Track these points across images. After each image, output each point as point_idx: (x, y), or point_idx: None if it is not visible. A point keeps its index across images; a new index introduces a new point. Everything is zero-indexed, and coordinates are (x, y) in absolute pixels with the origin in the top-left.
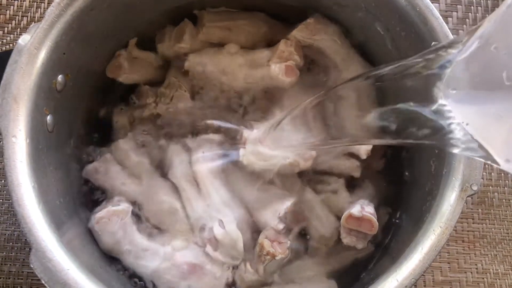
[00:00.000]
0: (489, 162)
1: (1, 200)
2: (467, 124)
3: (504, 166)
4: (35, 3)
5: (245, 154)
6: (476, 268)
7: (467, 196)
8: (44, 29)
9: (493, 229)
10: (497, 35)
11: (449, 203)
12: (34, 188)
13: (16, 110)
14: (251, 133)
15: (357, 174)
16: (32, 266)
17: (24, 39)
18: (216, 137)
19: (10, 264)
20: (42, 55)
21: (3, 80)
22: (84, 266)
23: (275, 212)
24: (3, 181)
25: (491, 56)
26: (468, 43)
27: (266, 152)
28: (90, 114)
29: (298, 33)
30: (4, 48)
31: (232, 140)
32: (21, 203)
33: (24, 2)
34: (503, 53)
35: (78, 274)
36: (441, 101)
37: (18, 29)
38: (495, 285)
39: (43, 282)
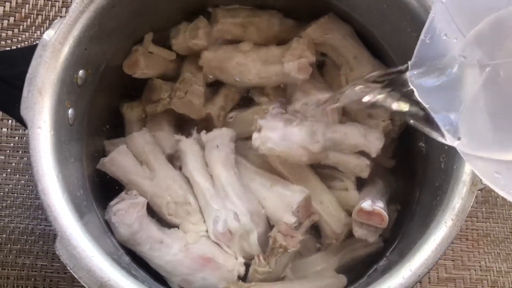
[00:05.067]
0: (446, 141)
1: (15, 194)
2: (427, 105)
3: (455, 143)
4: (50, 1)
5: (257, 138)
6: (480, 266)
7: (478, 190)
8: (68, 24)
9: (496, 228)
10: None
11: (460, 196)
12: (58, 178)
13: (40, 102)
14: (266, 121)
15: (365, 174)
16: (57, 253)
17: (48, 34)
18: (229, 131)
19: (24, 257)
20: (66, 50)
21: (28, 73)
22: (106, 255)
23: (287, 206)
24: (17, 175)
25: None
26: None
27: (278, 138)
28: (108, 109)
29: (311, 31)
30: (19, 46)
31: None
32: (47, 192)
33: (39, 1)
34: (453, 37)
35: (102, 261)
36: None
37: (33, 27)
38: (498, 282)
39: (68, 268)
